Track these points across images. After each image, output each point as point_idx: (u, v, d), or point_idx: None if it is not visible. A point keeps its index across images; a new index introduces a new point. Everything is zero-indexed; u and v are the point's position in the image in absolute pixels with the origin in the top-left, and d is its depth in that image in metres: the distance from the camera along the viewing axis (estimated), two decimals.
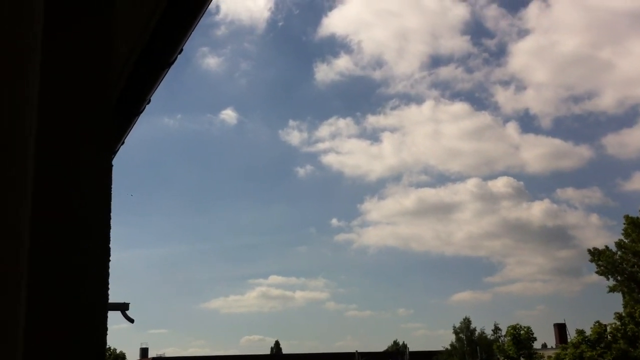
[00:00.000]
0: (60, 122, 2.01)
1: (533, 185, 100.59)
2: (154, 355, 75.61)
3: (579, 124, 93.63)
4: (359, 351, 66.34)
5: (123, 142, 4.90)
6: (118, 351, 62.94)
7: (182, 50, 3.44)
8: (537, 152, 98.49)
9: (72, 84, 2.06)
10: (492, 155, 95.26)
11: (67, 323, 1.87)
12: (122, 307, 15.20)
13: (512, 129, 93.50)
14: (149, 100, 4.06)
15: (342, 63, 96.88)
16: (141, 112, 4.17)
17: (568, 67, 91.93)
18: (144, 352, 75.89)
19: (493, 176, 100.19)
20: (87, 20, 2.13)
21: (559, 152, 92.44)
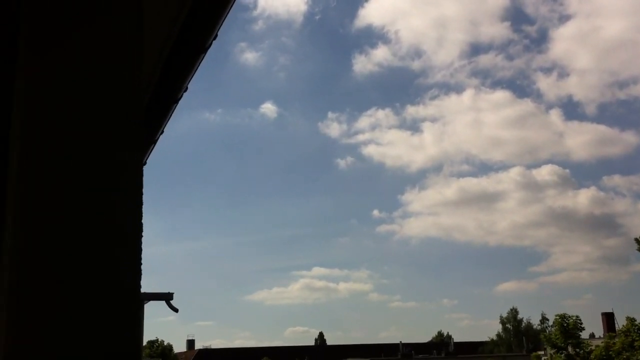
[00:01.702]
0: (90, 116, 1.97)
1: (579, 173, 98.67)
2: (201, 347, 76.70)
3: (625, 109, 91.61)
4: (403, 342, 66.17)
5: (163, 132, 4.87)
6: (165, 343, 63.98)
7: (217, 35, 3.38)
8: (582, 139, 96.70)
9: (100, 80, 2.01)
10: (536, 143, 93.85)
11: (101, 314, 1.84)
12: (167, 297, 15.37)
13: (555, 116, 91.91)
14: (187, 88, 4.02)
15: (380, 54, 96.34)
16: (179, 100, 4.13)
17: (612, 52, 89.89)
18: (190, 343, 77.06)
19: (537, 164, 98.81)
20: (115, 14, 2.08)
21: (604, 139, 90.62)
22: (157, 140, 5.01)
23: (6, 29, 2.09)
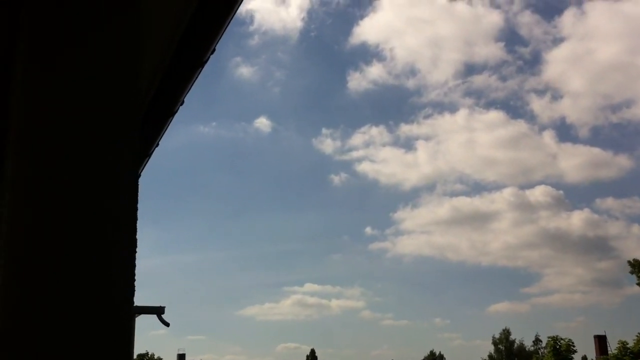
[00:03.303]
0: (87, 126, 1.97)
1: (572, 195, 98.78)
2: None
3: (618, 133, 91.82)
4: None
5: (158, 145, 4.87)
6: (156, 356, 63.53)
7: (214, 50, 3.39)
8: (575, 162, 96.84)
9: (97, 91, 2.02)
10: (529, 164, 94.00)
11: (93, 325, 1.83)
12: (158, 311, 15.30)
13: (549, 137, 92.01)
14: (183, 102, 4.03)
15: (375, 71, 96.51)
16: (175, 113, 4.14)
17: (605, 75, 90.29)
18: (181, 357, 76.54)
19: (530, 185, 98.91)
20: (114, 25, 2.09)
21: (598, 162, 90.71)
22: (151, 153, 5.01)
23: (6, 35, 2.10)
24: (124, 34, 2.10)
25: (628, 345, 39.91)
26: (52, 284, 1.81)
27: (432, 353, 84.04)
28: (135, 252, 1.97)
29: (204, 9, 3.08)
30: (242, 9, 3.16)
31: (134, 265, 1.95)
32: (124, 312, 1.89)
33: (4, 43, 2.09)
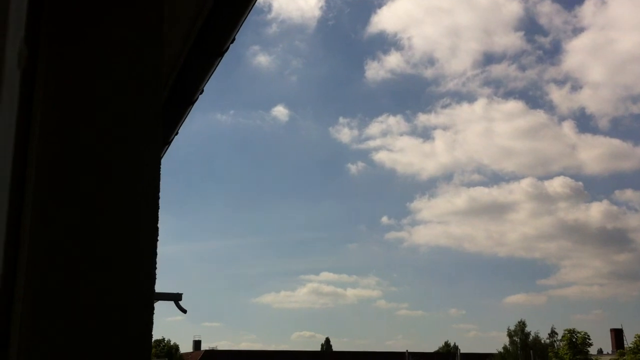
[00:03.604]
0: (107, 113, 1.98)
1: (591, 186, 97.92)
2: (207, 348, 76.68)
3: (638, 124, 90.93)
4: (409, 351, 65.90)
5: (177, 133, 4.90)
6: (172, 342, 64.06)
7: (234, 39, 3.40)
8: (595, 153, 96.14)
9: (121, 76, 2.03)
10: (548, 155, 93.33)
11: (113, 313, 1.85)
12: (176, 298, 15.41)
13: (568, 128, 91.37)
14: (202, 90, 4.04)
15: (393, 60, 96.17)
16: (194, 101, 4.16)
17: (625, 65, 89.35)
18: (197, 344, 77.06)
19: (549, 176, 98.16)
20: (137, 10, 2.10)
21: (617, 153, 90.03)
22: (171, 141, 5.04)
23: (30, 19, 2.11)
24: (147, 21, 2.11)
25: None
26: (73, 271, 1.83)
27: (446, 344, 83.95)
28: (157, 240, 1.98)
29: None
30: None
31: (156, 254, 1.96)
32: (146, 299, 1.91)
33: (27, 29, 2.11)
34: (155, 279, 1.95)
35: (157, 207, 1.98)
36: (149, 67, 2.07)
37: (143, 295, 1.91)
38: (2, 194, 1.97)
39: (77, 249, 1.85)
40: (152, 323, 1.93)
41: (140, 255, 1.92)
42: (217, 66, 3.68)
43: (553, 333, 55.69)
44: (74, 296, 1.82)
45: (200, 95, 4.14)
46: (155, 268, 1.95)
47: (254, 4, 3.13)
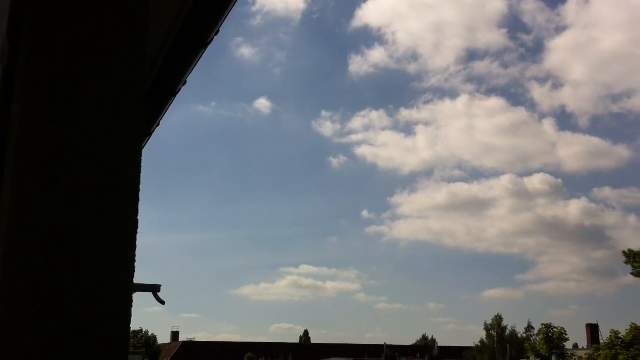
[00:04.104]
0: (90, 104, 1.98)
1: (570, 184, 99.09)
2: (185, 339, 76.55)
3: (618, 123, 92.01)
4: (387, 344, 66.25)
5: (158, 124, 4.88)
6: (150, 334, 63.84)
7: (218, 31, 3.39)
8: (574, 150, 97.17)
9: (103, 67, 2.02)
10: (528, 152, 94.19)
11: (92, 304, 1.85)
12: (154, 289, 15.34)
13: (548, 126, 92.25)
14: (185, 82, 4.03)
15: (377, 55, 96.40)
16: (177, 93, 4.14)
17: (607, 64, 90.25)
18: (174, 335, 76.93)
19: (528, 173, 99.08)
20: (121, 2, 2.09)
21: (596, 151, 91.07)
22: (152, 132, 5.02)
23: (12, 14, 2.10)
24: (130, 12, 2.09)
25: (620, 335, 40.15)
26: (51, 262, 1.83)
27: (424, 337, 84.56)
28: (137, 231, 1.98)
29: None
30: None
31: (135, 245, 1.96)
32: (124, 291, 1.90)
33: (10, 21, 2.09)
34: (134, 270, 1.95)
35: (137, 199, 1.97)
36: (132, 59, 2.06)
37: (121, 287, 1.90)
38: None
39: (54, 240, 1.84)
40: (130, 314, 1.93)
41: (119, 246, 1.91)
42: (200, 58, 3.67)
43: (530, 327, 56.27)
44: (51, 287, 1.81)
45: (182, 87, 4.13)
46: (134, 259, 1.95)
47: None
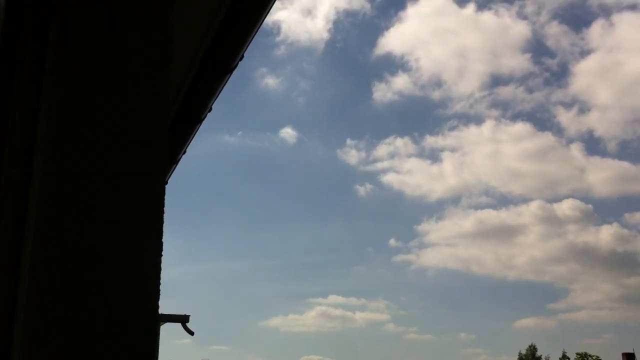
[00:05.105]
0: (116, 129, 1.94)
1: (600, 209, 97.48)
2: None
3: None
4: None
5: (185, 152, 4.87)
6: None
7: (243, 56, 3.37)
8: (603, 175, 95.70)
9: (128, 93, 1.99)
10: (556, 178, 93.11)
11: (118, 333, 1.80)
12: (183, 319, 15.35)
13: (576, 150, 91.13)
14: (211, 109, 4.01)
15: (401, 82, 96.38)
16: (202, 119, 4.12)
17: (633, 88, 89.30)
18: None
19: (557, 199, 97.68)
20: (146, 28, 2.06)
21: (626, 175, 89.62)
22: (179, 160, 5.01)
23: (34, 37, 2.08)
24: (155, 39, 2.07)
25: None
26: (76, 291, 1.79)
27: None
28: (161, 259, 1.93)
29: (233, 15, 3.06)
30: (269, 20, 3.16)
31: (159, 272, 1.92)
32: (150, 320, 1.85)
33: (34, 45, 2.08)
34: (158, 299, 1.90)
35: (161, 228, 1.93)
36: (157, 85, 2.03)
37: (147, 317, 1.85)
38: (7, 218, 1.93)
39: (78, 269, 1.80)
40: (157, 345, 1.87)
41: (143, 276, 1.87)
42: (225, 83, 3.65)
43: (564, 357, 55.07)
44: (75, 319, 1.77)
45: (208, 114, 4.11)
46: (159, 289, 1.90)
47: (262, 21, 3.10)
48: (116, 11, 2.05)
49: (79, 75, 1.95)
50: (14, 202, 1.94)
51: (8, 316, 1.83)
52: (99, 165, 1.90)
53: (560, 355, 56.06)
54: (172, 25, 2.09)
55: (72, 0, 2.00)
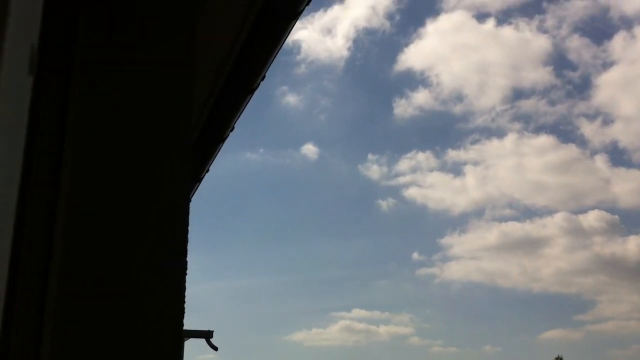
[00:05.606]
0: (141, 149, 2.00)
1: (627, 220, 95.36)
2: None
3: None
4: None
5: (208, 170, 4.93)
6: None
7: (264, 76, 3.43)
8: (629, 186, 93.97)
9: (152, 113, 2.05)
10: (581, 189, 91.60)
11: (142, 348, 1.84)
12: (207, 335, 15.33)
13: (601, 162, 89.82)
14: (233, 128, 4.07)
15: (421, 97, 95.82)
16: (225, 139, 4.18)
17: None
18: None
19: (583, 210, 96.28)
20: (169, 49, 2.12)
21: None
22: (202, 178, 5.07)
23: (62, 57, 2.15)
24: (178, 59, 2.13)
25: None
26: (102, 306, 1.83)
27: None
28: (186, 275, 1.97)
29: (254, 37, 3.12)
30: (290, 39, 3.22)
31: (184, 288, 1.95)
32: (174, 335, 1.89)
33: (62, 64, 2.15)
34: (183, 315, 1.94)
35: (185, 245, 1.97)
36: (181, 107, 2.08)
37: (172, 332, 1.89)
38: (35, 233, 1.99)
39: (105, 286, 1.85)
40: (181, 356, 1.91)
41: (168, 291, 1.91)
42: (247, 104, 3.70)
43: None
44: (103, 333, 1.81)
45: (230, 133, 4.17)
46: (184, 304, 1.94)
47: (284, 41, 3.16)
48: (142, 37, 2.12)
49: (103, 104, 2.01)
50: (43, 218, 2.00)
51: (37, 320, 1.88)
52: (126, 184, 1.95)
53: None
54: (194, 50, 2.15)
55: (99, 30, 2.06)
